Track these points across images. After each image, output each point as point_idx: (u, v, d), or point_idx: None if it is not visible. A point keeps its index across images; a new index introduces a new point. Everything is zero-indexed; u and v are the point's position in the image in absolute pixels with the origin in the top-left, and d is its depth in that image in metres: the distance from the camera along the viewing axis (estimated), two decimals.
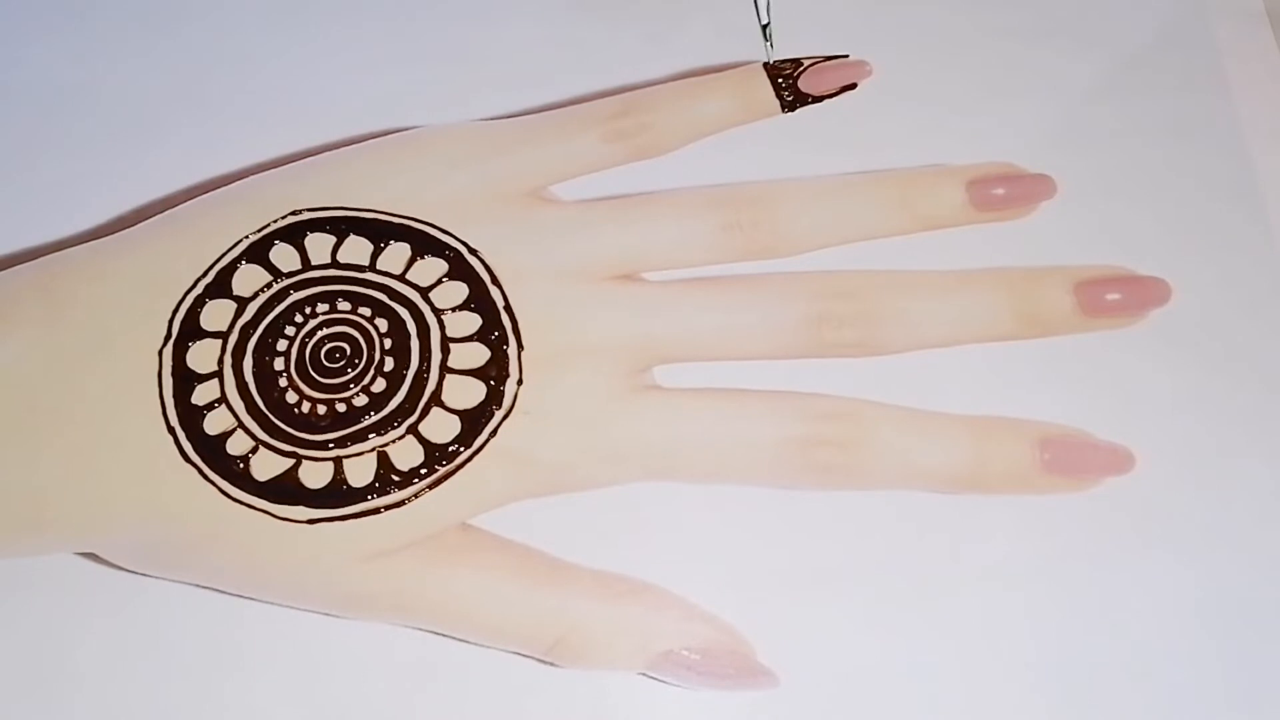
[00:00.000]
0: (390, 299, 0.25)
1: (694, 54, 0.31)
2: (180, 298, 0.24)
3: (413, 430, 0.24)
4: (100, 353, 0.24)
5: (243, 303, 0.24)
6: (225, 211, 0.26)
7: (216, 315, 0.24)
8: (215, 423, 0.23)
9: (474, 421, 0.24)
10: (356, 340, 0.24)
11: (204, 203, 0.26)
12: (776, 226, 0.26)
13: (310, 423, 0.24)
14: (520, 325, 0.25)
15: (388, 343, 0.24)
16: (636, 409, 0.25)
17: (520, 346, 0.24)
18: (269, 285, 0.25)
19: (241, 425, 0.23)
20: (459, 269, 0.25)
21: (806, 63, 0.28)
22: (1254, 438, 0.26)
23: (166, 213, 0.26)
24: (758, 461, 0.25)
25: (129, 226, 0.26)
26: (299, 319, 0.24)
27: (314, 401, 0.24)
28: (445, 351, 0.24)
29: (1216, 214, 0.29)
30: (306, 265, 0.25)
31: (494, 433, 0.24)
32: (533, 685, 0.24)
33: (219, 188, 0.27)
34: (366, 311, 0.25)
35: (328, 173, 0.26)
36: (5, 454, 0.23)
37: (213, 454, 0.23)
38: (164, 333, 0.24)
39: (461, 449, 0.24)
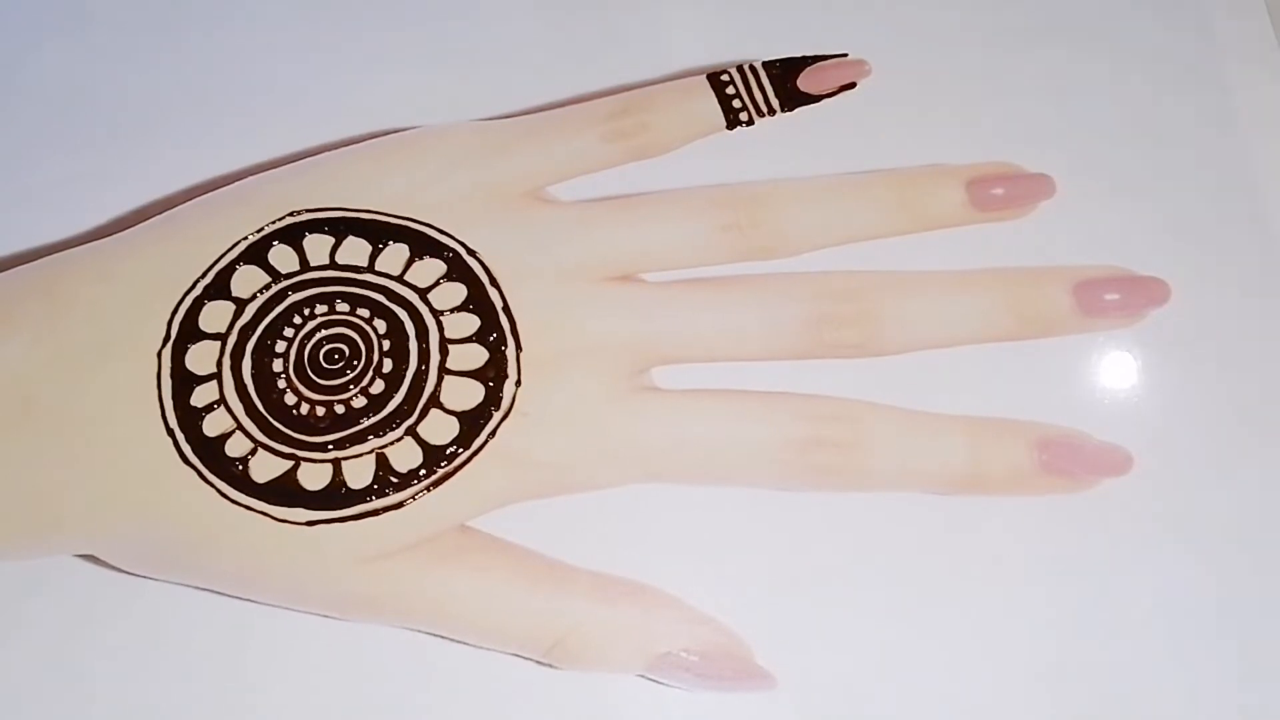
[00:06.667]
0: (389, 300, 0.25)
1: (693, 54, 0.31)
2: (179, 299, 0.24)
3: (411, 432, 0.24)
4: (100, 354, 0.24)
5: (241, 304, 0.24)
6: (224, 213, 0.26)
7: (215, 317, 0.24)
8: (214, 424, 0.23)
9: (472, 423, 0.24)
10: (355, 341, 0.24)
11: (203, 204, 0.26)
12: (776, 227, 0.26)
13: (309, 424, 0.24)
14: (519, 326, 0.25)
15: (386, 344, 0.24)
16: (635, 410, 0.25)
17: (519, 348, 0.24)
18: (267, 286, 0.25)
19: (240, 427, 0.23)
20: (457, 270, 0.25)
21: (805, 62, 0.28)
22: (1253, 438, 0.26)
23: (166, 214, 0.26)
24: (756, 463, 0.25)
25: (129, 227, 0.26)
26: (297, 320, 0.24)
27: (313, 403, 0.24)
28: (444, 353, 0.24)
29: (1216, 214, 0.28)
30: (305, 266, 0.25)
31: (492, 434, 0.24)
32: (531, 687, 0.25)
33: (218, 188, 0.27)
34: (365, 313, 0.25)
35: (326, 173, 0.26)
36: (4, 455, 0.23)
37: (212, 456, 0.23)
38: (163, 334, 0.24)
39: (460, 450, 0.24)
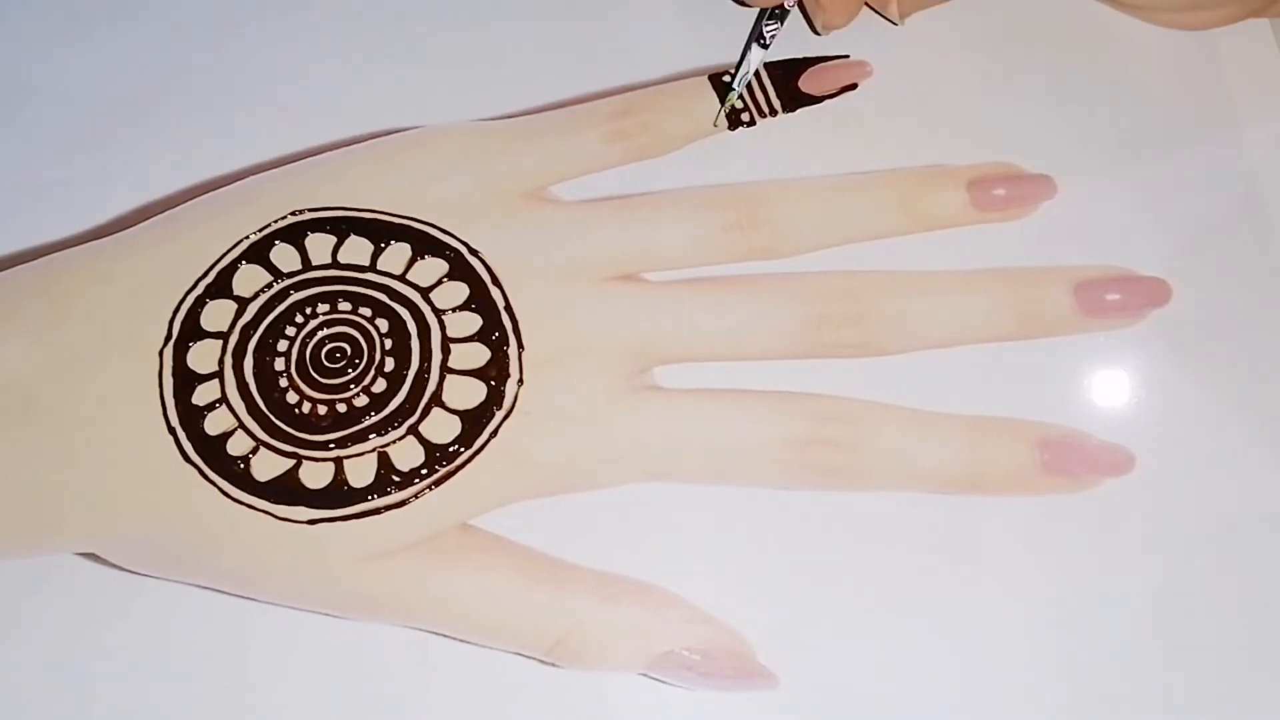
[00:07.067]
0: (391, 299, 0.25)
1: (694, 54, 0.31)
2: (181, 298, 0.24)
3: (413, 430, 0.24)
4: (101, 353, 0.24)
5: (243, 303, 0.24)
6: (226, 212, 0.26)
7: (217, 315, 0.24)
8: (216, 423, 0.23)
9: (474, 422, 0.24)
10: (357, 340, 0.24)
11: (204, 203, 0.26)
12: (777, 227, 0.26)
13: (311, 423, 0.24)
14: (521, 326, 0.25)
15: (388, 343, 0.24)
16: (636, 409, 0.25)
17: (520, 347, 0.24)
18: (269, 285, 0.25)
19: (242, 425, 0.23)
20: (459, 269, 0.25)
21: (806, 63, 0.28)
22: (1253, 438, 0.26)
23: (167, 213, 0.26)
24: (757, 462, 0.25)
25: (129, 226, 0.26)
26: (299, 319, 0.24)
27: (314, 402, 0.24)
28: (446, 352, 0.24)
29: (1216, 214, 0.29)
30: (307, 265, 0.25)
31: (494, 433, 0.24)
32: (532, 686, 0.24)
33: (219, 188, 0.27)
34: (367, 312, 0.25)
35: (328, 173, 0.26)
36: (5, 454, 0.23)
37: (213, 454, 0.23)
38: (164, 333, 0.24)
39: (462, 449, 0.24)
